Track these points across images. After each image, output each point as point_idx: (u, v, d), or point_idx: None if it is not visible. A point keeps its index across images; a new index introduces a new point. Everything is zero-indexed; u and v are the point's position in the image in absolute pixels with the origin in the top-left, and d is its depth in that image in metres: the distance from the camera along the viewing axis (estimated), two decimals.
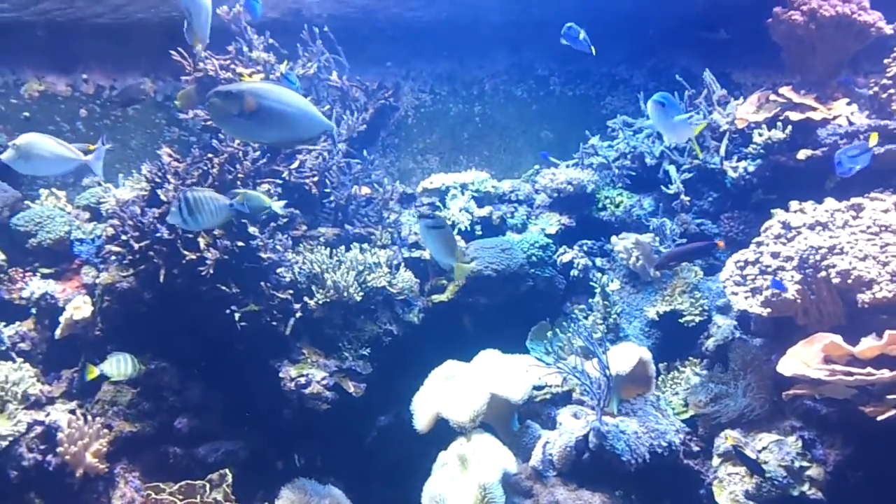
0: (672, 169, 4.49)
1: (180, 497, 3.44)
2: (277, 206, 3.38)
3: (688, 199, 4.43)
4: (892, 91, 3.99)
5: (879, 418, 2.85)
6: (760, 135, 4.15)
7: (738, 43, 4.80)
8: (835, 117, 3.98)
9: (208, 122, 4.06)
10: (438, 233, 3.20)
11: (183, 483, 3.52)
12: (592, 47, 3.55)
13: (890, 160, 3.62)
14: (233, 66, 4.23)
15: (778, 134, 4.09)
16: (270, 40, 4.40)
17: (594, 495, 3.21)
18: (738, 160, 4.31)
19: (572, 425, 3.38)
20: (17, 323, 4.12)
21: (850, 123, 3.87)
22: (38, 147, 3.34)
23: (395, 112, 5.12)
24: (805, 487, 3.18)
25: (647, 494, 3.39)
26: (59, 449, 3.60)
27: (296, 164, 4.21)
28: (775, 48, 4.35)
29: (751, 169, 4.24)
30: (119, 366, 3.51)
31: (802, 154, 3.99)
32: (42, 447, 3.65)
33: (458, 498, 3.18)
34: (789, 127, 4.09)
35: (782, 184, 4.10)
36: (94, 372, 3.52)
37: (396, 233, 4.49)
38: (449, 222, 4.67)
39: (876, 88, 4.06)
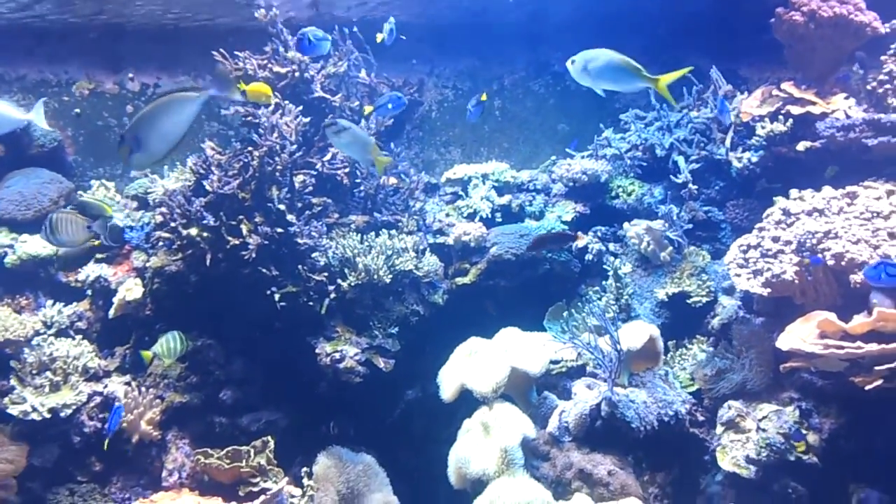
0: (681, 159, 4.68)
1: (227, 462, 3.59)
2: (118, 217, 3.63)
3: (695, 187, 4.61)
4: (888, 86, 4.18)
5: (867, 388, 3.02)
6: (763, 127, 4.34)
7: (745, 39, 4.98)
8: (833, 111, 4.13)
9: (247, 118, 4.31)
10: (346, 135, 3.33)
11: (229, 449, 3.66)
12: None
13: (883, 151, 3.80)
14: (269, 66, 4.45)
15: (779, 127, 4.29)
16: None
17: (605, 458, 3.48)
18: (743, 151, 4.51)
19: (586, 395, 3.64)
20: (75, 304, 4.34)
21: (848, 117, 4.06)
22: None
23: (420, 107, 5.30)
24: (801, 452, 3.32)
25: (656, 459, 3.61)
26: None
27: (328, 157, 4.38)
28: (780, 44, 4.50)
29: (754, 159, 4.45)
30: (169, 345, 3.70)
31: (802, 146, 4.15)
32: (101, 416, 3.90)
33: (482, 460, 3.45)
34: (790, 120, 4.26)
35: (784, 173, 4.27)
36: (149, 356, 3.73)
37: (422, 220, 4.66)
38: (472, 211, 4.90)
39: (874, 84, 4.27)
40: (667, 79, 3.38)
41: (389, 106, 4.44)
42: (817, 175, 4.06)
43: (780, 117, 4.34)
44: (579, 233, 3.73)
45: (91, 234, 3.48)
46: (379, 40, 4.21)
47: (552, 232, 3.74)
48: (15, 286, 4.42)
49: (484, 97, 4.31)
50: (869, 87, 4.28)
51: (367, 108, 4.10)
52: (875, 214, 3.50)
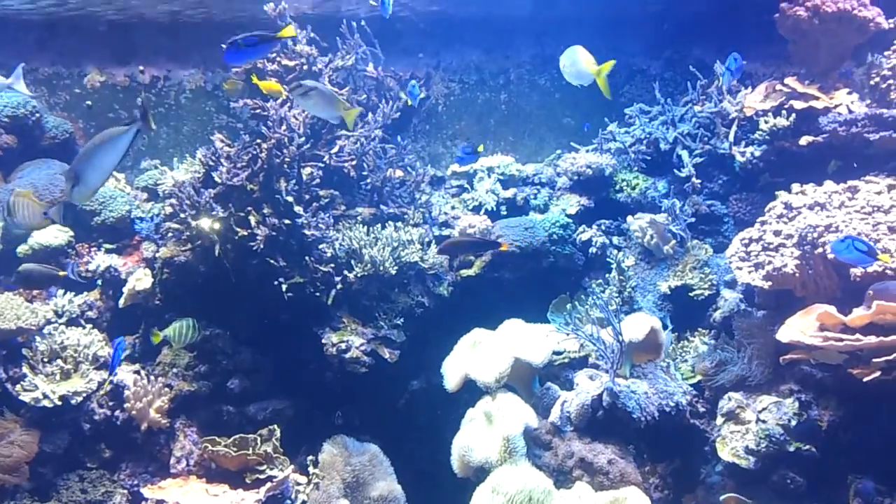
0: (685, 154, 4.72)
1: (234, 449, 3.65)
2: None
3: (699, 181, 4.65)
4: (891, 82, 4.20)
5: (865, 379, 3.05)
6: (766, 122, 4.37)
7: (749, 35, 4.99)
8: (836, 106, 4.16)
9: (256, 110, 4.35)
10: (314, 94, 3.40)
11: (236, 437, 3.73)
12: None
13: (885, 145, 3.82)
14: (278, 59, 4.50)
15: (782, 121, 4.31)
16: (312, 34, 4.62)
17: (607, 447, 3.52)
18: (746, 146, 4.54)
19: (588, 386, 3.68)
20: (85, 293, 4.40)
21: (850, 112, 4.08)
22: None
23: (426, 100, 5.35)
24: (800, 444, 3.34)
25: (657, 449, 3.67)
26: (126, 405, 3.92)
27: (335, 149, 4.42)
28: (784, 40, 4.51)
29: (757, 154, 4.47)
30: (182, 330, 3.76)
31: (804, 140, 4.17)
32: (111, 403, 3.98)
33: (485, 448, 3.50)
34: (793, 115, 4.29)
35: (787, 168, 4.30)
36: (158, 337, 3.79)
37: (428, 212, 4.71)
38: (477, 204, 4.95)
39: (877, 79, 4.29)
40: (605, 68, 3.64)
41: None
42: (819, 169, 4.07)
43: (784, 112, 4.37)
44: (503, 241, 3.76)
45: (48, 220, 3.59)
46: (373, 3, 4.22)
47: (470, 238, 3.76)
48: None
49: (481, 148, 4.37)
50: (872, 83, 4.30)
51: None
52: (875, 209, 3.51)
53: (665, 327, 3.96)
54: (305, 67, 4.47)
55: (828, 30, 4.22)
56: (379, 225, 4.34)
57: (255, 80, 4.15)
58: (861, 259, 3.13)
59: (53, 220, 3.58)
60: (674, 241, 4.51)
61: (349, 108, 3.62)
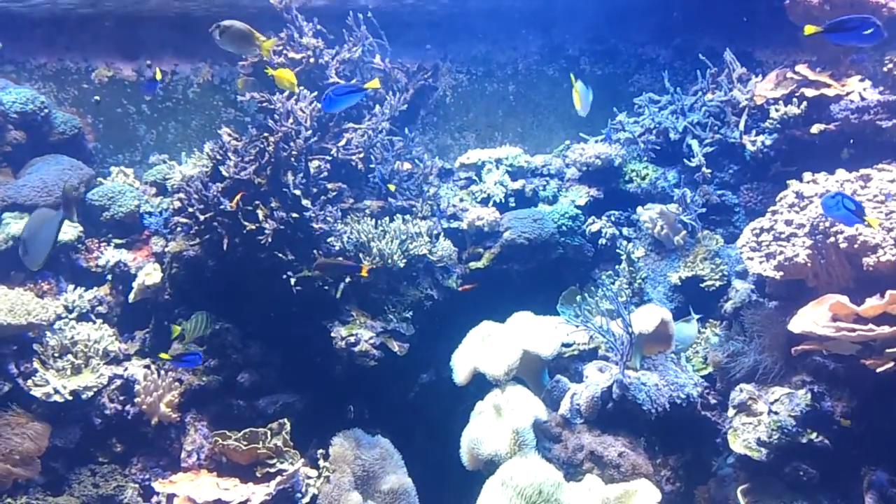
0: (695, 143, 4.68)
1: (244, 443, 3.65)
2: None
3: (709, 171, 4.60)
4: None
5: (879, 370, 3.03)
6: (777, 110, 4.33)
7: (760, 22, 4.96)
8: (848, 93, 4.12)
9: (263, 104, 4.34)
10: (231, 32, 3.80)
11: (246, 430, 3.73)
12: None
13: None
14: (285, 52, 4.50)
15: (793, 109, 4.27)
16: (319, 26, 4.61)
17: (616, 440, 3.51)
18: (757, 134, 4.50)
19: (598, 378, 3.67)
20: (95, 288, 4.44)
21: (862, 99, 4.04)
22: None
23: (434, 92, 5.29)
24: (813, 436, 3.32)
25: (668, 441, 3.65)
26: (137, 399, 3.96)
27: (343, 142, 4.41)
28: (795, 27, 4.43)
29: (768, 143, 4.43)
30: (197, 323, 3.84)
31: (816, 128, 4.13)
32: (121, 398, 4.01)
33: (494, 441, 3.50)
34: (804, 103, 4.25)
35: (798, 156, 4.26)
36: (177, 330, 3.85)
37: (436, 205, 4.69)
38: (486, 196, 4.94)
39: (889, 66, 4.23)
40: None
41: None
42: (831, 158, 4.03)
43: (795, 100, 4.33)
44: (364, 265, 3.82)
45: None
46: None
47: (337, 261, 3.84)
48: (37, 271, 4.49)
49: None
50: (885, 69, 4.25)
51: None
52: (889, 197, 3.46)
53: (691, 318, 3.99)
54: (312, 60, 4.45)
55: (839, 16, 4.14)
56: (387, 218, 4.32)
57: (269, 71, 4.15)
58: (848, 217, 3.09)
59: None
60: (684, 232, 4.48)
61: (264, 40, 3.83)
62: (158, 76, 3.61)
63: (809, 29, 3.40)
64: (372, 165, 4.53)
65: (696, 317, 4.03)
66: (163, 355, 3.87)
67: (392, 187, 4.26)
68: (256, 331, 4.15)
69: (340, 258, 3.93)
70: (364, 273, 3.83)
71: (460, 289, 4.24)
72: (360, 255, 4.12)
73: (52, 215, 3.55)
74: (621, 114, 5.20)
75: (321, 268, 3.85)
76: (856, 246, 3.35)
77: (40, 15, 5.03)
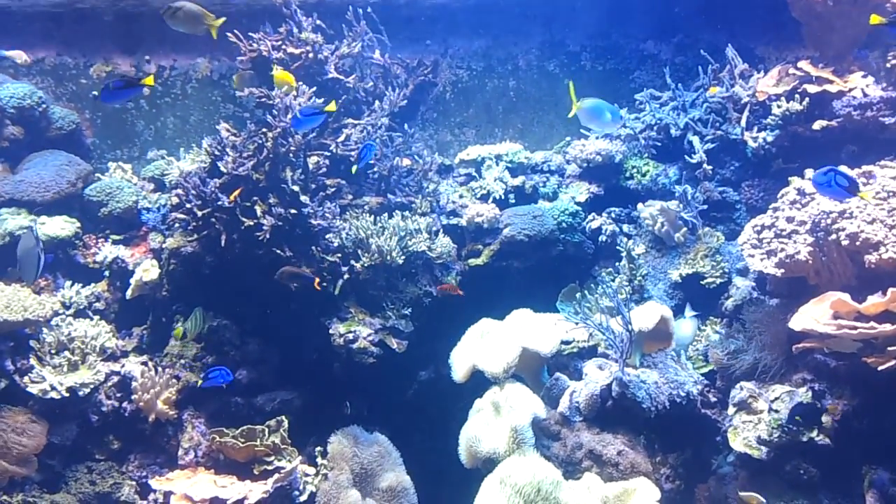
0: (696, 139, 4.65)
1: (242, 440, 3.63)
2: None
3: (710, 168, 4.58)
4: None
5: (880, 368, 3.02)
6: (779, 107, 4.30)
7: (762, 18, 4.93)
8: (850, 89, 4.09)
9: (262, 99, 4.32)
10: (183, 12, 3.79)
11: (244, 428, 3.72)
12: None
13: None
14: (283, 47, 4.47)
15: (795, 106, 4.25)
16: (318, 21, 4.58)
17: (616, 438, 3.50)
18: (759, 131, 4.47)
19: (597, 376, 3.65)
20: (92, 284, 4.41)
21: (865, 95, 4.01)
22: None
23: (434, 88, 5.27)
24: (814, 434, 3.29)
25: (668, 440, 3.63)
26: (134, 396, 3.91)
27: (342, 138, 4.40)
28: (797, 23, 4.46)
29: (770, 139, 4.40)
30: (196, 321, 3.85)
31: (818, 125, 4.12)
32: (118, 395, 3.99)
33: (493, 439, 3.48)
34: (806, 99, 4.22)
35: (800, 153, 4.22)
36: (179, 332, 3.89)
37: (435, 201, 4.68)
38: (485, 192, 4.91)
39: (893, 62, 4.20)
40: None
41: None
42: (833, 154, 4.02)
43: (797, 96, 4.30)
44: (316, 279, 3.83)
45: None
46: None
47: (296, 269, 3.84)
48: None
49: None
50: (888, 65, 4.22)
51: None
52: (892, 194, 3.45)
53: (689, 315, 3.98)
54: (311, 55, 4.43)
55: (842, 12, 4.16)
56: (386, 214, 4.31)
57: (274, 71, 4.16)
58: (839, 193, 3.07)
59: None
60: (685, 229, 4.46)
61: (214, 21, 3.85)
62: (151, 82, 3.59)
63: (875, 19, 3.37)
64: (371, 161, 4.45)
65: (694, 314, 4.01)
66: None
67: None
68: (254, 328, 4.14)
69: (305, 268, 3.93)
70: (316, 286, 3.82)
71: (438, 290, 4.24)
72: (359, 251, 4.11)
73: (33, 244, 3.72)
74: (622, 109, 5.14)
75: (283, 276, 3.84)
76: (858, 243, 3.35)
77: (38, 10, 5.01)
